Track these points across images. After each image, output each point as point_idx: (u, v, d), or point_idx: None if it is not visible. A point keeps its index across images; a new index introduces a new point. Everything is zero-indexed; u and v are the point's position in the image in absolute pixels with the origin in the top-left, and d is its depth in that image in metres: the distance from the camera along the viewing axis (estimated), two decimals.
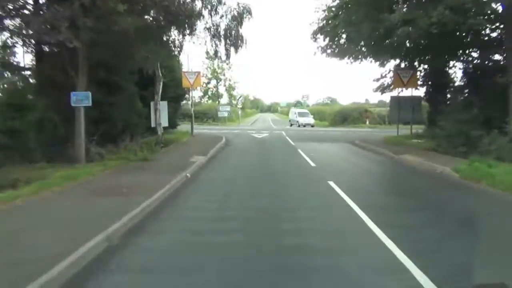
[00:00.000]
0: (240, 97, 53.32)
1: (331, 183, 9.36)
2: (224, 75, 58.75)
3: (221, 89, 59.95)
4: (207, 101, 57.54)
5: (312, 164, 13.36)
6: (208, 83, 59.08)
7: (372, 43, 17.93)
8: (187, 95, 25.93)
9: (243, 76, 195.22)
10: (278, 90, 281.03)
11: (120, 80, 14.44)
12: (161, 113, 19.38)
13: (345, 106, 42.77)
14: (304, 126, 39.59)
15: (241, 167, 13.27)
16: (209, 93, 59.33)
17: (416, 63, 21.12)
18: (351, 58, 22.46)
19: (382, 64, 22.53)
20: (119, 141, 14.12)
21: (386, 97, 30.26)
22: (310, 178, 11.00)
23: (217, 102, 57.40)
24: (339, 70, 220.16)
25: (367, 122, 38.80)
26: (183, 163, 12.25)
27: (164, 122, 19.64)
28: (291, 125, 42.98)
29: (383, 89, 22.44)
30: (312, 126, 40.42)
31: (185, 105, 30.80)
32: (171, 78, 22.19)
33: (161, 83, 19.28)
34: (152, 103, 19.29)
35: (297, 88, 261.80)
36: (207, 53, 52.32)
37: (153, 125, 19.31)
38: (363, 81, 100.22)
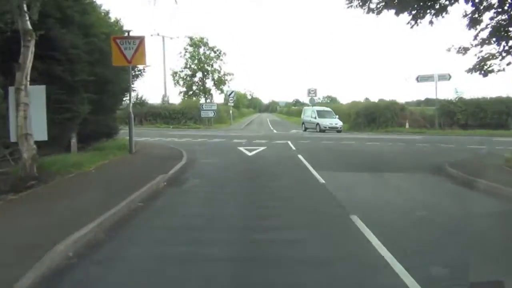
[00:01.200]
0: (231, 93, 42.50)
1: None
2: (211, 66, 48.03)
3: (209, 84, 49.20)
4: (193, 98, 46.80)
5: None
6: (193, 75, 48.34)
7: None
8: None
9: (239, 73, 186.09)
10: (276, 89, 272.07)
11: None
12: (32, 112, 8.73)
13: (372, 103, 31.39)
14: (324, 130, 28.63)
15: None
16: (194, 88, 48.58)
17: None
18: (417, 11, 12.09)
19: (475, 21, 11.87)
20: None
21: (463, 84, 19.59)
22: None
23: (201, 99, 46.78)
24: (338, 68, 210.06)
25: (407, 125, 28.29)
26: None
27: (39, 132, 8.91)
28: (305, 129, 31.87)
29: (484, 69, 11.75)
30: (339, 130, 28.99)
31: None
32: (89, 47, 11.54)
33: (31, 47, 8.62)
34: (10, 91, 8.72)
35: (295, 88, 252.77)
36: (191, 38, 41.24)
37: (12, 138, 8.72)
38: (363, 78, 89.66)
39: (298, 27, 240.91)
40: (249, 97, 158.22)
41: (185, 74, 47.96)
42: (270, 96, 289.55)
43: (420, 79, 27.97)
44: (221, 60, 48.61)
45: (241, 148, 16.10)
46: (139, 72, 17.86)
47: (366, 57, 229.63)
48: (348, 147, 18.08)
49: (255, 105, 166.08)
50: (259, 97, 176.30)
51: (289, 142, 18.91)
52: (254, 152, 15.01)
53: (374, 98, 37.24)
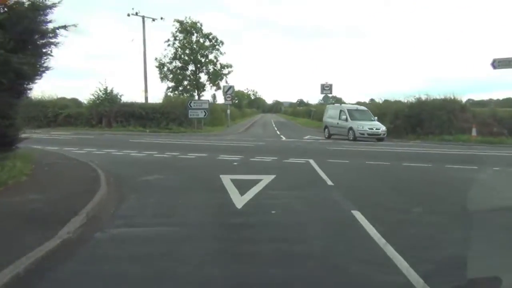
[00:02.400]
0: (229, 88, 34.55)
1: None
2: (206, 57, 40.19)
3: (204, 78, 41.33)
4: (181, 95, 39.00)
5: None
6: (184, 68, 40.50)
7: None
8: None
9: (242, 71, 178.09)
10: (280, 89, 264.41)
11: None
12: None
13: (420, 101, 22.63)
14: (360, 138, 20.62)
15: None
16: (185, 83, 40.74)
17: None
18: None
19: None
20: None
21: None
22: None
23: (196, 96, 39.03)
24: (342, 68, 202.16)
25: (474, 133, 20.26)
26: None
27: None
28: (329, 135, 23.43)
29: None
30: (381, 138, 20.82)
31: None
32: None
33: None
34: None
35: (299, 88, 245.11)
36: (181, 23, 33.23)
37: None
38: (367, 78, 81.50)
39: (302, 25, 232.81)
40: (252, 97, 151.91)
41: (175, 66, 40.19)
42: (274, 96, 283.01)
43: (498, 64, 19.24)
44: (218, 50, 40.86)
45: (226, 180, 8.20)
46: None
47: (372, 55, 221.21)
48: (430, 176, 10.13)
49: (258, 105, 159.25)
50: (263, 97, 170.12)
51: (313, 163, 11.01)
52: (249, 196, 7.06)
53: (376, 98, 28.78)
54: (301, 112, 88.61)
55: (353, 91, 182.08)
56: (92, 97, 28.03)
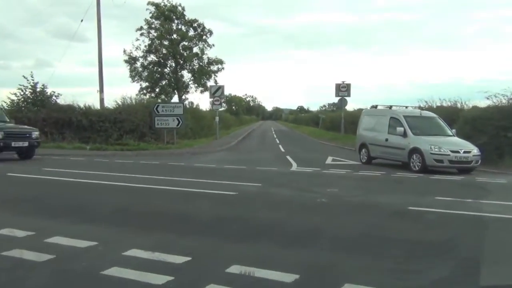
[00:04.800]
0: (217, 89, 25.90)
1: None
2: (190, 49, 31.65)
3: (187, 76, 32.65)
4: (152, 96, 30.42)
5: None
6: (162, 64, 31.91)
7: None
8: None
9: (240, 77, 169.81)
10: (280, 96, 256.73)
11: None
12: None
13: None
14: (442, 168, 11.61)
15: None
16: (163, 83, 32.08)
17: None
18: None
19: None
20: None
21: None
22: None
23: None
24: (343, 76, 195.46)
25: None
26: None
27: None
28: (368, 158, 13.86)
29: None
30: (471, 169, 11.67)
31: None
32: None
33: None
34: None
35: (299, 95, 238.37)
36: (157, 5, 24.69)
37: None
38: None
39: (301, 32, 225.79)
40: (252, 104, 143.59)
41: (150, 62, 31.61)
42: (274, 103, 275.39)
43: None
44: (205, 41, 32.31)
45: None
46: None
47: (373, 63, 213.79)
48: None
49: (258, 112, 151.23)
50: (263, 104, 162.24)
51: None
52: None
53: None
54: (304, 119, 79.59)
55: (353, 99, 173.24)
56: (14, 97, 19.43)
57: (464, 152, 11.61)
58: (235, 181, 8.90)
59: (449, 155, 11.43)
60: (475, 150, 11.74)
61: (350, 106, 34.00)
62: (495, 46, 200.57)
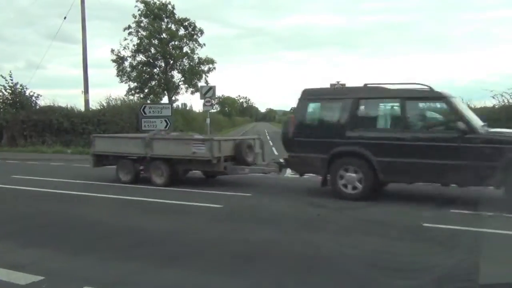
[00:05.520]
0: (208, 90, 24.96)
1: None
2: (180, 49, 30.67)
3: (177, 77, 31.70)
4: (140, 97, 29.43)
5: None
6: (151, 64, 30.93)
7: None
8: None
9: (233, 79, 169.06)
10: (273, 97, 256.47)
11: None
12: None
13: None
14: None
15: None
16: (153, 83, 31.09)
17: None
18: None
19: None
20: None
21: None
22: None
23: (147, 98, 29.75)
24: (333, 78, 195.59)
25: None
26: None
27: None
28: None
29: None
30: None
31: None
32: None
33: None
34: None
35: (292, 96, 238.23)
36: (146, 3, 23.87)
37: None
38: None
39: (294, 34, 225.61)
40: (245, 105, 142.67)
41: (139, 62, 30.59)
42: (267, 104, 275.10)
43: None
44: (196, 41, 31.36)
45: None
46: None
47: (366, 65, 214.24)
48: None
49: (251, 113, 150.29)
50: (256, 105, 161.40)
51: None
52: None
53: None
54: None
55: None
56: None
57: None
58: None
59: None
60: None
61: None
62: (484, 48, 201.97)
